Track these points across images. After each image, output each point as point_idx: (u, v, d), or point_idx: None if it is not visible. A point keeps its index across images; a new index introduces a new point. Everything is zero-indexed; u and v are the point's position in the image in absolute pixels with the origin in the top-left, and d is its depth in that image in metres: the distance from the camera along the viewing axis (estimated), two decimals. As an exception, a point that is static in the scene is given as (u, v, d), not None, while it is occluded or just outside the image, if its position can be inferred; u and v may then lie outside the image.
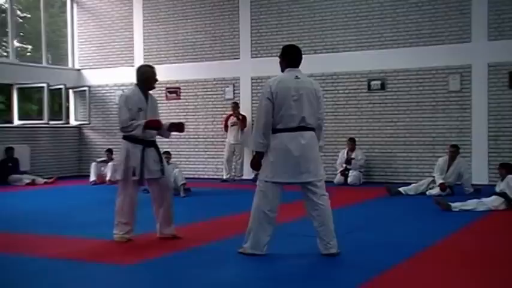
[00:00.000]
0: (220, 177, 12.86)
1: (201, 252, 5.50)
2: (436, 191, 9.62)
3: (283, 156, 5.09)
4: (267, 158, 5.17)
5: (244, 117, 12.72)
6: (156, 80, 6.04)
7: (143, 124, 5.77)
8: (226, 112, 12.98)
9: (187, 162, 13.61)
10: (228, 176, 12.66)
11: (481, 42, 11.10)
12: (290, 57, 5.29)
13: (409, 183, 10.26)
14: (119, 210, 5.95)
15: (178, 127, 6.08)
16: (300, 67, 5.33)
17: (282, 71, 5.31)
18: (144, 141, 5.89)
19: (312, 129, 5.20)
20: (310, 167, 5.13)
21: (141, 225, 6.64)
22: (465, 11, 11.23)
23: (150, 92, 6.11)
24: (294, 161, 5.08)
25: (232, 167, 12.78)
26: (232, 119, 12.66)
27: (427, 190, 9.80)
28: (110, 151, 13.12)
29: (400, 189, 9.86)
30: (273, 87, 5.10)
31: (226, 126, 12.77)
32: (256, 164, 5.28)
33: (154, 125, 5.86)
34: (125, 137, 5.98)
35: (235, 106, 12.76)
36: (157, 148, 6.02)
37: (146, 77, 5.96)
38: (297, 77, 5.18)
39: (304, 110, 5.10)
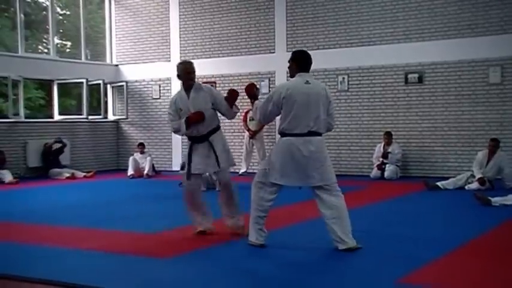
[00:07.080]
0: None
1: (237, 245, 5.52)
2: (475, 185, 9.45)
3: (291, 160, 5.12)
4: (274, 160, 5.21)
5: None
6: (190, 74, 5.85)
7: (184, 121, 5.78)
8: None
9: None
10: (245, 170, 12.56)
11: (523, 33, 10.85)
12: (300, 62, 5.29)
13: (447, 178, 10.09)
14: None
15: (232, 95, 5.89)
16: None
17: (292, 76, 5.33)
18: (192, 138, 5.90)
19: (320, 134, 5.23)
20: (318, 172, 5.14)
21: (176, 218, 6.72)
22: (506, 0, 10.97)
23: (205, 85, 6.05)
24: (302, 165, 5.11)
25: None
26: (252, 113, 12.61)
27: (466, 184, 9.64)
28: (142, 145, 13.29)
29: (438, 183, 9.71)
30: (283, 93, 5.13)
31: (245, 121, 12.69)
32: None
33: (194, 118, 5.77)
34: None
35: (254, 100, 12.69)
36: (209, 143, 5.85)
37: (178, 75, 5.94)
38: (307, 82, 5.20)
39: (313, 116, 5.13)
